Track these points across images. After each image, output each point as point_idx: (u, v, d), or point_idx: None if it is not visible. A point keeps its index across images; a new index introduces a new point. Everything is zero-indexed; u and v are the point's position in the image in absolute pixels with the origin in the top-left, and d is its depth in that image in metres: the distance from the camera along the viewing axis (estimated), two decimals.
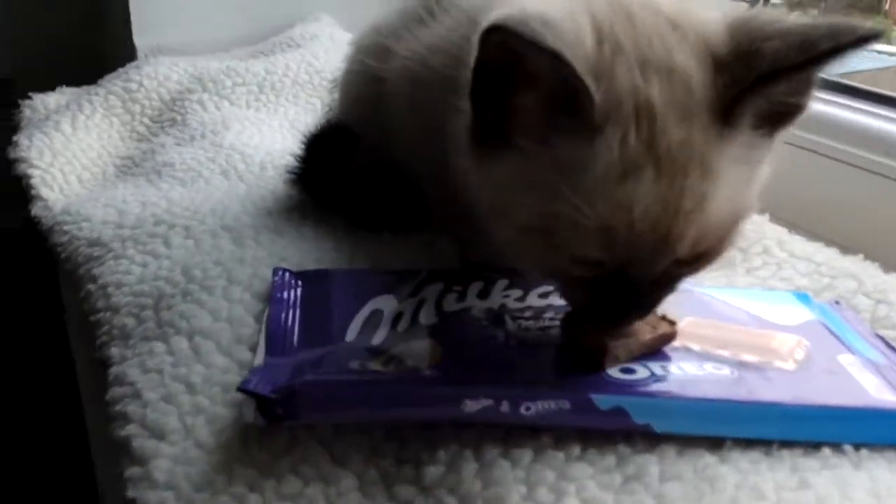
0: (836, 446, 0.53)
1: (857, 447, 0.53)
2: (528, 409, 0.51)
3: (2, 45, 1.76)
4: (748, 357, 0.58)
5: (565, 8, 0.50)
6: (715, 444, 0.53)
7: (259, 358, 0.59)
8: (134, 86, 1.20)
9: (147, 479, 0.51)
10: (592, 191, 0.47)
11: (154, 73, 1.22)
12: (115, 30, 1.57)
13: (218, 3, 1.48)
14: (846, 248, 0.81)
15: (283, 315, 0.63)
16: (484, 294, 0.65)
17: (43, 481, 1.43)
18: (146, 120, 1.17)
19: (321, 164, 0.85)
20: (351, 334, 0.61)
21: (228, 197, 0.88)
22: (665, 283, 0.53)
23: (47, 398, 1.48)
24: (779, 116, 0.51)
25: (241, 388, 0.52)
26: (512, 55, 0.46)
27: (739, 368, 0.56)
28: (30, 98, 1.26)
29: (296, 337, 0.61)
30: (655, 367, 0.56)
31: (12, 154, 1.08)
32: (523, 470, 0.50)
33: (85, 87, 1.24)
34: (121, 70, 1.26)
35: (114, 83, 1.20)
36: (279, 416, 0.52)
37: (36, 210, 0.97)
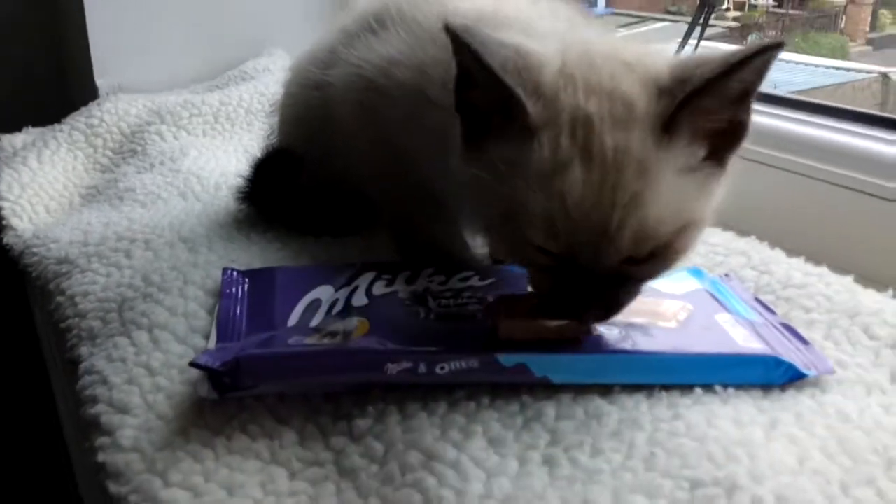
0: (709, 387, 0.62)
1: (725, 387, 0.62)
2: (442, 368, 0.60)
3: None
4: (636, 320, 0.67)
5: (546, 50, 0.60)
6: (605, 390, 0.62)
7: (212, 343, 0.67)
8: (96, 121, 1.28)
9: (115, 445, 0.58)
10: (533, 183, 0.55)
11: (115, 109, 1.31)
12: (76, 71, 1.65)
13: (175, 43, 1.56)
14: (743, 232, 0.91)
15: (232, 307, 0.72)
16: (411, 280, 0.73)
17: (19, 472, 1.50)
18: (108, 152, 1.25)
19: (267, 185, 0.94)
20: (292, 320, 0.69)
21: (185, 214, 0.97)
22: (620, 282, 0.59)
23: (21, 399, 1.55)
24: (726, 137, 0.59)
25: (193, 363, 0.60)
26: (462, 60, 0.58)
27: (627, 328, 0.65)
28: None
29: (243, 325, 0.69)
30: None
31: None
32: (439, 418, 0.59)
33: (49, 126, 1.31)
34: (83, 108, 1.33)
35: (77, 120, 1.28)
36: (227, 386, 0.60)
37: (7, 238, 1.04)
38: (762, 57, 0.55)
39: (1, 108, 1.74)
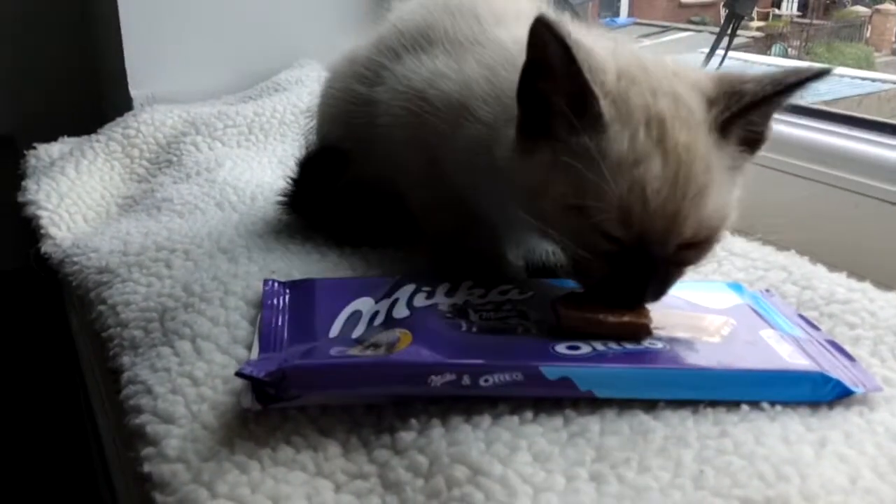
0: (755, 404, 0.62)
1: (772, 404, 0.62)
2: (486, 381, 0.60)
3: (3, 103, 1.86)
4: (680, 334, 0.67)
5: (599, 53, 0.64)
6: (650, 405, 0.61)
7: (254, 354, 0.67)
8: (132, 132, 1.30)
9: (160, 456, 0.59)
10: (610, 174, 0.60)
11: (151, 120, 1.32)
12: (111, 82, 1.67)
13: (208, 54, 1.59)
14: (783, 247, 0.91)
15: (274, 318, 0.72)
16: (451, 293, 0.73)
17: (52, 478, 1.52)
18: (145, 162, 1.27)
19: (311, 185, 0.94)
20: (333, 331, 0.69)
21: (223, 224, 0.97)
22: (674, 267, 0.65)
23: (55, 408, 1.58)
24: (749, 143, 0.66)
25: (239, 373, 0.61)
26: (543, 51, 0.62)
27: (672, 343, 0.65)
28: (34, 148, 1.36)
29: (285, 336, 0.70)
30: (597, 343, 0.64)
31: (21, 198, 1.17)
32: (483, 432, 0.59)
33: (85, 136, 1.33)
34: (119, 119, 1.35)
35: (114, 130, 1.30)
36: (272, 396, 0.60)
37: (46, 247, 1.05)
38: (812, 81, 0.63)
39: (36, 117, 1.78)
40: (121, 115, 1.38)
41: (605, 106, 0.61)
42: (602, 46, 0.66)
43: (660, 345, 0.65)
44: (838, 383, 0.62)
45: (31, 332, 1.71)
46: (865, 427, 0.60)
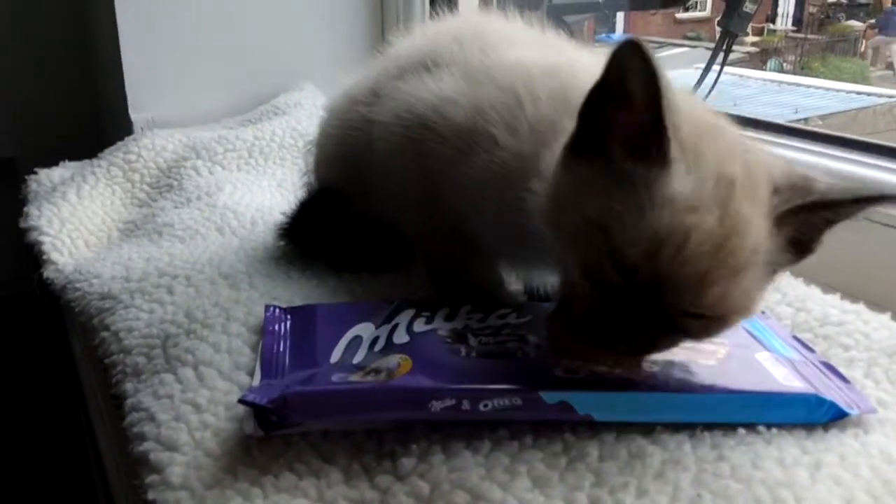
0: (751, 426, 0.63)
1: (768, 427, 0.63)
2: (486, 405, 0.61)
3: (4, 126, 1.88)
4: (677, 358, 0.67)
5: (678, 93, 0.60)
6: (648, 429, 0.62)
7: (256, 380, 0.68)
8: (133, 157, 1.31)
9: (164, 484, 0.59)
10: (659, 207, 0.57)
11: (151, 145, 1.33)
12: (111, 106, 1.68)
13: (207, 78, 1.60)
14: None
15: (276, 344, 0.73)
16: (450, 317, 0.74)
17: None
18: (146, 187, 1.28)
19: (310, 225, 0.95)
20: (334, 357, 0.70)
21: (224, 249, 0.98)
22: (673, 331, 0.61)
23: (57, 435, 1.58)
24: (795, 247, 0.62)
25: (241, 400, 0.61)
26: (622, 76, 0.57)
27: (667, 366, 0.66)
28: (35, 173, 1.37)
29: (287, 362, 0.70)
30: (595, 367, 0.65)
31: (23, 224, 1.18)
32: (483, 457, 0.59)
33: (87, 161, 1.34)
34: (120, 143, 1.36)
35: (115, 155, 1.31)
36: (274, 423, 0.61)
37: (48, 273, 1.06)
38: (888, 202, 0.61)
39: (38, 140, 1.79)
40: (121, 138, 1.39)
41: (674, 147, 0.57)
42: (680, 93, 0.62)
43: (656, 368, 0.66)
44: (833, 405, 0.63)
45: (34, 358, 1.72)
46: (860, 449, 0.60)
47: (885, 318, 0.79)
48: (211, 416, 0.65)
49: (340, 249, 0.92)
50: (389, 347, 0.69)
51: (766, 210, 0.59)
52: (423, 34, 0.89)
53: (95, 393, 1.01)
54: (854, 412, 0.64)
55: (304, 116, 1.47)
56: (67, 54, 1.91)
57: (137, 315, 0.84)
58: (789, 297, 0.84)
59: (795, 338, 0.76)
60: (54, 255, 1.09)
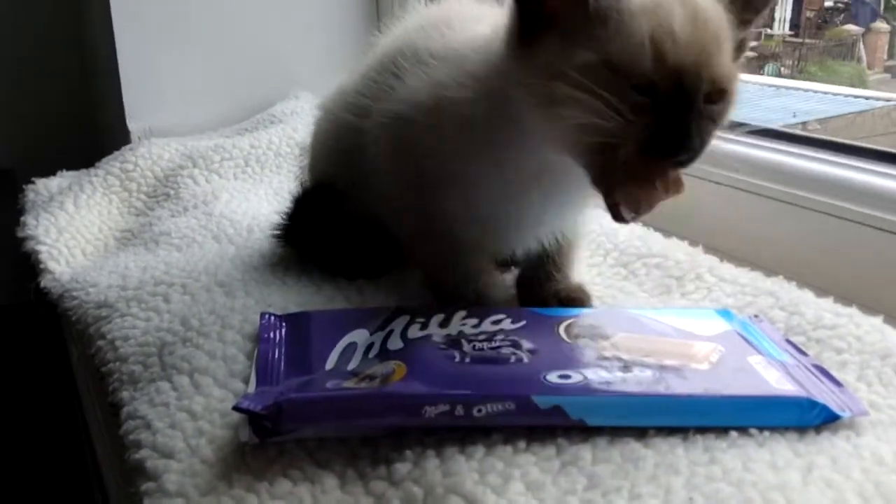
0: (743, 430, 0.63)
1: (761, 430, 0.63)
2: (479, 411, 0.61)
3: (2, 137, 1.88)
4: (669, 362, 0.68)
5: None
6: (640, 433, 0.62)
7: (251, 387, 0.69)
8: (130, 166, 1.31)
9: (160, 491, 0.60)
10: (635, 19, 0.63)
11: (148, 154, 1.34)
12: (108, 116, 1.69)
13: (204, 87, 1.61)
14: (771, 272, 0.92)
15: (271, 352, 0.73)
16: (444, 323, 0.75)
17: None
18: (142, 196, 1.28)
19: (306, 221, 0.96)
20: (329, 364, 0.70)
21: (220, 257, 0.99)
22: (706, 121, 0.65)
23: (55, 443, 1.59)
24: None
25: (236, 407, 0.62)
26: None
27: (660, 370, 0.66)
28: (33, 183, 1.38)
29: (282, 369, 0.71)
30: (588, 372, 0.65)
31: (20, 233, 1.18)
32: (477, 462, 0.60)
33: (84, 170, 1.35)
34: (117, 152, 1.37)
35: (112, 164, 1.32)
36: (268, 430, 0.61)
37: (45, 282, 1.07)
38: None
39: (34, 151, 1.80)
40: (118, 148, 1.40)
41: None
42: None
43: (649, 372, 0.66)
44: (825, 408, 0.64)
45: (32, 367, 1.72)
46: (852, 452, 0.61)
47: (878, 321, 0.79)
48: (206, 424, 0.66)
49: (336, 254, 0.92)
50: (384, 354, 0.70)
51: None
52: (403, 27, 0.90)
53: (93, 401, 1.01)
54: (846, 415, 0.64)
55: (300, 125, 1.47)
56: (65, 65, 1.92)
57: (134, 323, 0.84)
58: (783, 301, 0.84)
59: (788, 341, 0.76)
60: (51, 265, 1.10)
